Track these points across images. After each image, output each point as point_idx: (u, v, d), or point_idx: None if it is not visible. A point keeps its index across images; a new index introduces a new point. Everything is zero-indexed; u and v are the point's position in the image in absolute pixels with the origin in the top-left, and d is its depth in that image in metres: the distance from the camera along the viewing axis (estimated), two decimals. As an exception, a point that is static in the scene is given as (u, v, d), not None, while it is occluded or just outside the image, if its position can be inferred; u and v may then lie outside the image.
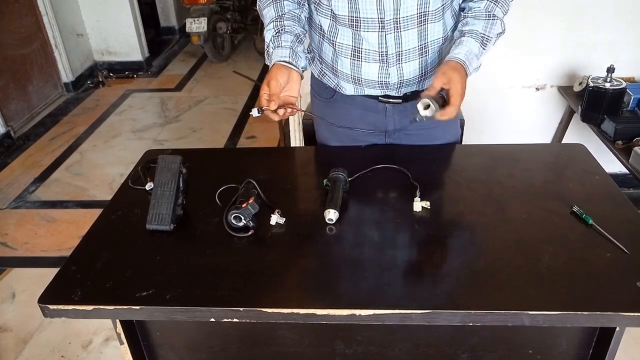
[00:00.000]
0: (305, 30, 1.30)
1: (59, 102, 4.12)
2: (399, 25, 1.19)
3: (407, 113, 1.33)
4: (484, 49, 1.19)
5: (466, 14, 1.22)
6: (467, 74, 1.15)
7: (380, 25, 1.19)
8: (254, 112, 1.15)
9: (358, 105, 1.36)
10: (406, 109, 1.33)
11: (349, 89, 1.34)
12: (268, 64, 1.24)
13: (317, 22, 1.29)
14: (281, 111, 1.15)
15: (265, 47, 1.25)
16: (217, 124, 3.70)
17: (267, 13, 1.25)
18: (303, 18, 1.29)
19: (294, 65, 1.20)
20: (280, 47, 1.20)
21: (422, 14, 1.19)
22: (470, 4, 1.22)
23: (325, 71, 1.37)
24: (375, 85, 1.29)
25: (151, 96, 4.24)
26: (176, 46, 5.38)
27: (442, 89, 1.12)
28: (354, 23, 1.21)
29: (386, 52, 1.23)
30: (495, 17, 1.19)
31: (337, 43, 1.27)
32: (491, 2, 1.19)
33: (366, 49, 1.24)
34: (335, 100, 1.39)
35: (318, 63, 1.39)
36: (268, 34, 1.24)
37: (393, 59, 1.24)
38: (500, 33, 1.22)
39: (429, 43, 1.24)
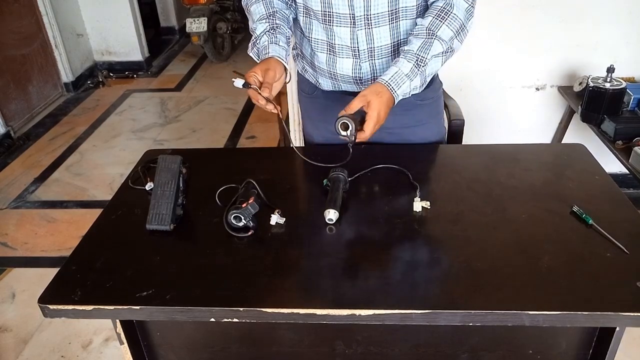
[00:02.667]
0: (292, 33, 1.31)
1: (59, 102, 4.12)
2: (370, 21, 1.20)
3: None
4: (417, 69, 1.15)
5: (411, 31, 1.20)
6: (393, 95, 1.13)
7: (352, 21, 1.20)
8: (237, 83, 1.12)
9: (337, 101, 1.37)
10: None
11: (326, 85, 1.37)
12: (254, 54, 1.24)
13: (298, 19, 1.31)
14: (270, 106, 1.13)
15: (256, 39, 1.23)
16: (217, 124, 3.70)
17: (256, 9, 1.25)
18: (291, 20, 1.31)
19: (286, 68, 1.21)
20: (277, 45, 1.21)
21: (394, 11, 1.19)
22: (418, 20, 1.19)
23: (307, 67, 1.40)
24: (350, 80, 1.31)
25: (151, 96, 4.24)
26: (176, 46, 5.38)
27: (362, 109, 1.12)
28: (327, 18, 1.22)
29: (358, 47, 1.24)
30: (435, 37, 1.15)
31: (312, 39, 1.29)
32: (437, 18, 1.15)
33: (339, 44, 1.26)
34: (317, 97, 1.43)
35: (300, 59, 1.42)
36: (260, 27, 1.23)
37: (365, 55, 1.25)
38: (444, 53, 1.17)
39: (402, 40, 1.24)
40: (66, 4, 4.15)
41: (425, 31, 1.16)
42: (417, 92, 1.20)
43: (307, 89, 1.45)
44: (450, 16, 1.16)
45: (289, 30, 1.27)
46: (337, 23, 1.22)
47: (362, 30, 1.21)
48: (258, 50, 1.23)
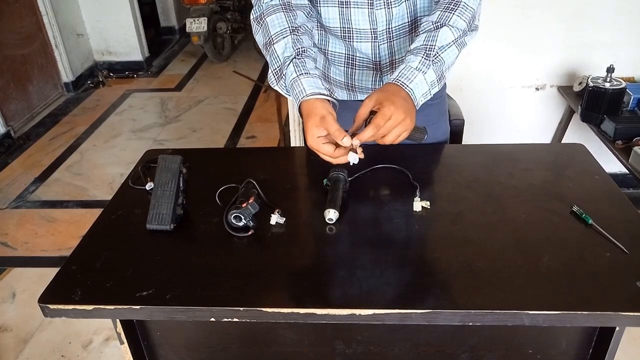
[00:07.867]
0: (317, 48, 1.22)
1: (59, 102, 4.13)
2: (391, 35, 1.18)
3: None
4: (428, 60, 1.04)
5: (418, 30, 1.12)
6: (406, 91, 1.03)
7: (373, 36, 1.18)
8: (353, 159, 1.03)
9: (351, 110, 1.35)
10: None
11: (341, 95, 1.34)
12: (280, 88, 1.11)
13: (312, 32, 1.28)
14: (359, 150, 1.02)
15: (279, 67, 1.09)
16: (217, 124, 3.70)
17: (274, 21, 1.11)
18: (314, 33, 1.23)
19: (332, 99, 1.07)
20: (310, 75, 1.06)
21: (413, 21, 1.19)
22: (424, 18, 1.11)
23: None
24: (369, 91, 1.29)
25: (151, 96, 4.24)
26: (176, 46, 5.38)
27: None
28: (346, 34, 1.19)
29: (379, 61, 1.23)
30: (443, 26, 1.06)
31: (329, 52, 1.26)
32: (445, 11, 1.06)
33: (360, 57, 1.24)
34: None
35: None
36: (279, 49, 1.08)
37: (387, 68, 1.24)
38: (456, 40, 1.07)
39: None
40: (66, 4, 4.15)
41: (432, 25, 1.07)
42: (436, 88, 1.08)
43: None
44: (460, 6, 1.07)
45: (316, 48, 1.14)
46: (358, 39, 1.18)
47: (384, 44, 1.19)
48: (286, 85, 1.09)
